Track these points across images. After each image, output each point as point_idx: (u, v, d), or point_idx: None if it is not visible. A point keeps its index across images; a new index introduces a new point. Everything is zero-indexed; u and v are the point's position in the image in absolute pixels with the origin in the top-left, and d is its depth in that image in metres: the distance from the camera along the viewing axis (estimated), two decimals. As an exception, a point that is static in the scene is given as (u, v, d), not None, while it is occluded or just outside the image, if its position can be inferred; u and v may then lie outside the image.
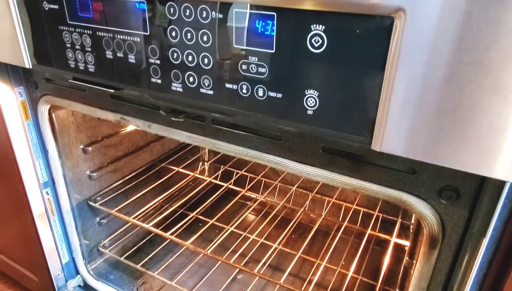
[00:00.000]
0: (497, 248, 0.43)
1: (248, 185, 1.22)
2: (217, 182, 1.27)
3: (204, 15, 0.46)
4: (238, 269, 0.91)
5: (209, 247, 0.88)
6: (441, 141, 0.37)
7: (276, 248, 0.93)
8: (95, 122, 0.94)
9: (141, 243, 1.13)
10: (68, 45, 0.61)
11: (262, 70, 0.45)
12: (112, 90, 0.65)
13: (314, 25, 0.40)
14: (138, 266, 1.00)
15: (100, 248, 1.04)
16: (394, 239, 0.98)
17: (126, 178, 1.06)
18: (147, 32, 0.52)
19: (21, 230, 0.95)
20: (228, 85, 0.49)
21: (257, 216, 1.26)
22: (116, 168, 1.04)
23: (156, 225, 0.96)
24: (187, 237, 0.93)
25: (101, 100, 0.69)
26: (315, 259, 0.94)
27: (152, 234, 1.13)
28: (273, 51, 0.44)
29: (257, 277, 0.87)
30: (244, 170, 1.26)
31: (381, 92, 0.39)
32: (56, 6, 0.59)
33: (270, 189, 1.23)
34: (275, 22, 0.42)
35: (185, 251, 1.09)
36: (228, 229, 0.98)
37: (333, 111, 0.43)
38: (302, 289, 0.79)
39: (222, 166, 1.30)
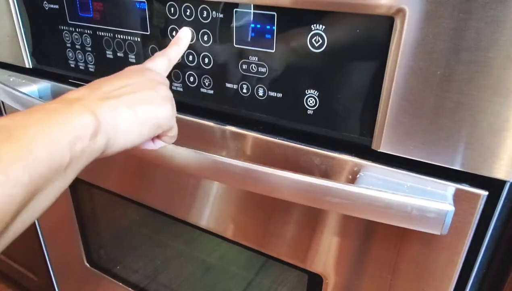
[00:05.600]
0: (497, 248, 0.43)
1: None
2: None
3: (204, 15, 0.46)
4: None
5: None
6: (440, 141, 0.37)
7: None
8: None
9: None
10: (68, 45, 0.61)
11: (262, 70, 0.45)
12: (112, 90, 0.65)
13: (314, 25, 0.40)
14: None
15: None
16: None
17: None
18: (147, 32, 0.52)
19: (21, 230, 0.95)
20: (228, 85, 0.49)
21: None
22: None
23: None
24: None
25: (101, 100, 0.69)
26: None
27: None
28: (273, 51, 0.44)
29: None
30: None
31: (381, 92, 0.39)
32: (56, 6, 0.59)
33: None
34: (275, 22, 0.42)
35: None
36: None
37: (333, 111, 0.43)
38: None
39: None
